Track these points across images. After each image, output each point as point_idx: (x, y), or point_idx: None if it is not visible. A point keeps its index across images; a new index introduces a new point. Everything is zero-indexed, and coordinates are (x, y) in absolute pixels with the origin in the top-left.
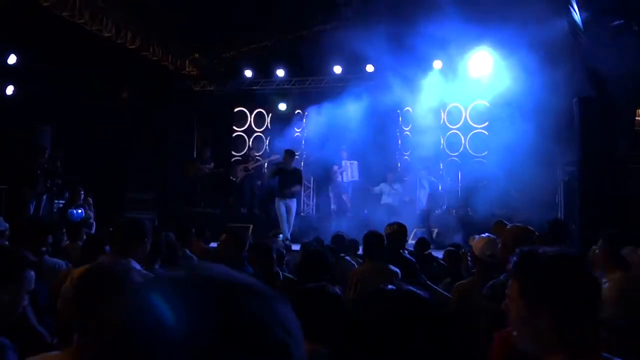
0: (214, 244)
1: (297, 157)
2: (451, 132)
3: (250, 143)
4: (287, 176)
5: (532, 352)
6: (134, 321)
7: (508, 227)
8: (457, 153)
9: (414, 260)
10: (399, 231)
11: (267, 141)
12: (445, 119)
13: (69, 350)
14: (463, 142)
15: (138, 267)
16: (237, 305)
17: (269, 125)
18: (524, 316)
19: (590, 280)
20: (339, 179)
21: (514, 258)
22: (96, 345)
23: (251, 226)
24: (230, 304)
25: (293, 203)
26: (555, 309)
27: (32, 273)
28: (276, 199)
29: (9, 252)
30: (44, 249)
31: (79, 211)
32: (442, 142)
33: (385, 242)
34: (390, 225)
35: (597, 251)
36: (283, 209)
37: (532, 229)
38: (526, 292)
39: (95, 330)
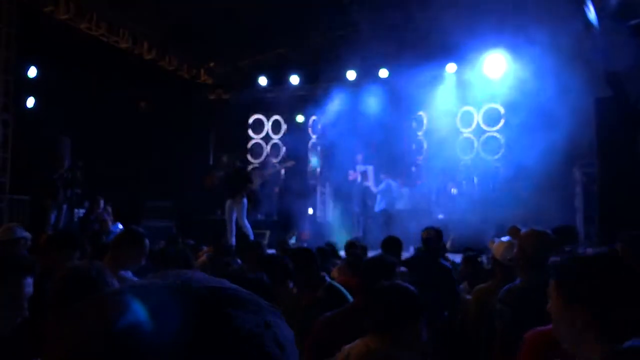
0: None
1: (240, 162)
2: (464, 135)
3: (269, 150)
4: (229, 180)
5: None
6: (107, 325)
7: (524, 231)
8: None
9: (450, 267)
10: (435, 236)
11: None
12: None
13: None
14: (476, 145)
15: (130, 275)
16: (220, 316)
17: (281, 132)
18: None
19: (626, 276)
20: (367, 183)
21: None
22: (66, 348)
23: (268, 232)
24: (213, 315)
25: (233, 204)
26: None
27: (30, 280)
28: None
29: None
30: (69, 261)
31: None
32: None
33: (422, 247)
34: (426, 230)
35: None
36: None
37: (549, 232)
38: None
39: (67, 332)
